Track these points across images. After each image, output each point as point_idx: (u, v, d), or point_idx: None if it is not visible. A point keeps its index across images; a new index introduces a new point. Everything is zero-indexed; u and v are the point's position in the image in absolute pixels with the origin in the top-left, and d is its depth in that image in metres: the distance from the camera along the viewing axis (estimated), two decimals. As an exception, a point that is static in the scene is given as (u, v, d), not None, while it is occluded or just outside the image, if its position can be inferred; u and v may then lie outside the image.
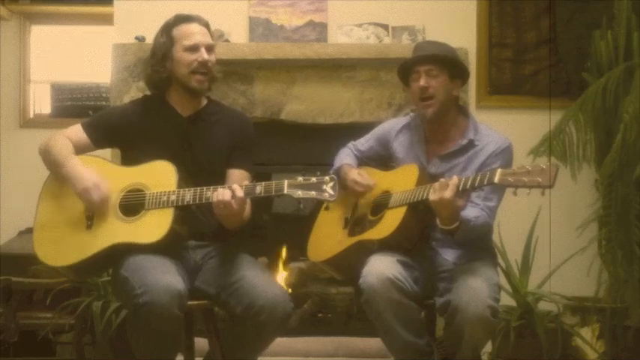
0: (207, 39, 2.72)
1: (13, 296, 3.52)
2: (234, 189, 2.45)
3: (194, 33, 2.70)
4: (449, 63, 2.75)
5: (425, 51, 2.75)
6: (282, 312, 2.47)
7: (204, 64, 2.67)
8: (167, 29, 2.73)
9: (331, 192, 2.39)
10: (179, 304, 2.36)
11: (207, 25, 2.76)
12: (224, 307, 2.57)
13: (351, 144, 3.02)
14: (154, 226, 2.51)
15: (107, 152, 2.99)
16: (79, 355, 3.40)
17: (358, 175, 2.81)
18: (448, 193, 2.43)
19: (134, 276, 2.40)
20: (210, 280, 2.60)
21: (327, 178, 2.41)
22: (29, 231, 3.23)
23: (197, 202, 2.51)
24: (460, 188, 2.44)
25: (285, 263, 3.98)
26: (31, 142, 2.95)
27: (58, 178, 2.64)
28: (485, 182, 2.40)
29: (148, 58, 2.78)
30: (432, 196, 2.47)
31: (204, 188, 2.51)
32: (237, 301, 2.49)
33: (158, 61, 2.71)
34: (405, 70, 2.79)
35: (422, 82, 2.70)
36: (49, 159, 2.66)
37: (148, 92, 2.88)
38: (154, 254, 2.48)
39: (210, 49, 2.71)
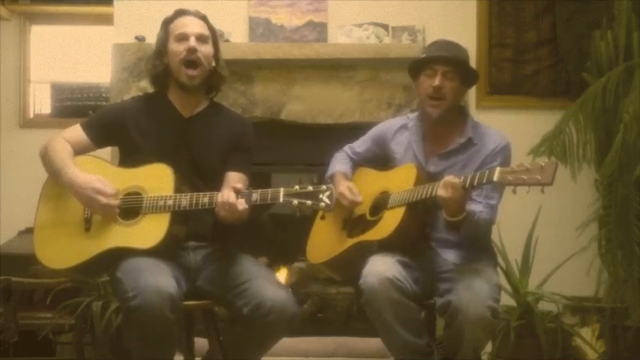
0: (197, 29, 2.69)
1: (13, 296, 3.52)
2: (231, 198, 2.44)
3: (185, 24, 2.69)
4: (465, 70, 2.75)
5: (447, 52, 2.73)
6: (290, 313, 2.48)
7: (191, 51, 2.63)
8: (165, 24, 2.74)
9: (327, 201, 2.39)
10: (171, 307, 2.34)
11: (203, 18, 2.74)
12: (229, 307, 2.57)
13: (347, 147, 3.01)
14: (150, 232, 2.50)
15: (107, 153, 2.98)
16: (79, 355, 3.41)
17: (347, 189, 2.77)
18: (457, 191, 2.44)
19: (127, 278, 2.40)
20: (214, 280, 2.60)
21: (324, 187, 2.41)
22: (29, 231, 3.24)
23: (193, 207, 2.50)
24: (461, 187, 2.45)
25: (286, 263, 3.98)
26: (31, 142, 2.95)
27: (59, 184, 2.63)
28: (485, 181, 2.40)
29: (151, 54, 2.78)
30: (441, 192, 2.47)
31: (201, 194, 2.51)
32: (244, 302, 2.48)
33: (156, 56, 2.71)
34: (419, 64, 2.77)
35: (437, 81, 2.69)
36: (48, 165, 2.65)
37: (148, 92, 2.88)
38: (149, 256, 2.47)
39: (202, 39, 2.68)
